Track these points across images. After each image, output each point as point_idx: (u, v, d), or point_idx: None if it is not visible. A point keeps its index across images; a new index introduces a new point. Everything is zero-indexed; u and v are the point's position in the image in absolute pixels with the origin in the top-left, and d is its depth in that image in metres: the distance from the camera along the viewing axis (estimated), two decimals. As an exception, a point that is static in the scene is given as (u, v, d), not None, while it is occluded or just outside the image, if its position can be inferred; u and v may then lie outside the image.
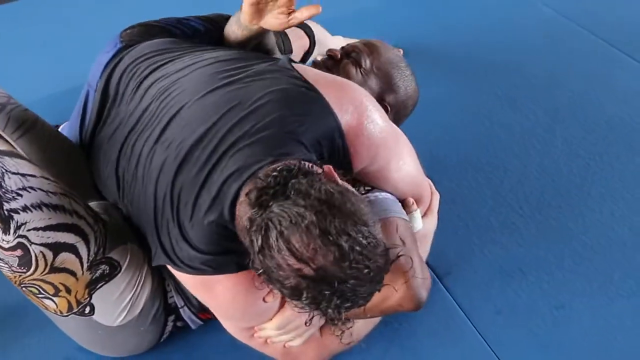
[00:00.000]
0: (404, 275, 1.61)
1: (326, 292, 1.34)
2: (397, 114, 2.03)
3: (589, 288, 2.00)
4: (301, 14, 1.74)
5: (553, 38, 3.07)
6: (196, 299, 1.80)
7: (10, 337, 1.95)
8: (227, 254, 1.53)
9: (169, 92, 1.71)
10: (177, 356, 1.89)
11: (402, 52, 2.11)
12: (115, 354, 1.86)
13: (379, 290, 1.42)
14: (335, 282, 1.32)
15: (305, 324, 1.61)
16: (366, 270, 1.34)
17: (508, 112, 2.63)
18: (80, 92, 1.94)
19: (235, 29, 1.89)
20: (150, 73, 1.79)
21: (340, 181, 1.43)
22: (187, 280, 1.64)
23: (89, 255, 1.65)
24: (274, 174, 1.40)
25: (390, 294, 1.61)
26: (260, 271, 1.37)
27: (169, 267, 1.64)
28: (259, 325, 1.71)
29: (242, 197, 1.45)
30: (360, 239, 1.33)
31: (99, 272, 1.68)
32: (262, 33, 1.90)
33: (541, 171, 2.37)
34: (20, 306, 1.97)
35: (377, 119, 1.64)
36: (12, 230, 1.56)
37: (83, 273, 1.66)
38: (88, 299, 1.70)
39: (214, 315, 1.82)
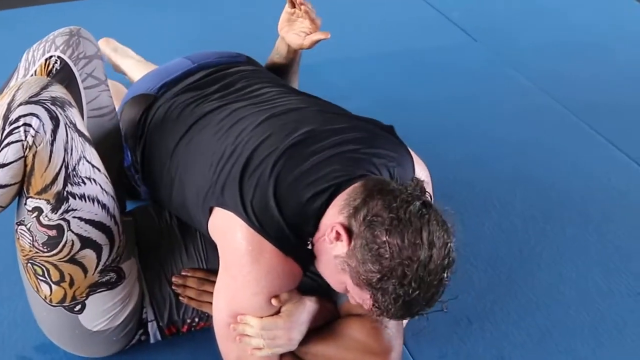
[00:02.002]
0: (389, 349, 1.76)
1: (425, 279, 1.52)
2: None
3: (529, 342, 2.09)
4: (314, 36, 2.14)
5: (525, 107, 3.23)
6: (167, 313, 1.91)
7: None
8: (296, 232, 1.65)
9: (289, 95, 1.98)
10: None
11: None
12: (82, 353, 1.92)
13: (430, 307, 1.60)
14: (437, 272, 1.52)
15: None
16: (445, 275, 1.55)
17: (472, 170, 2.76)
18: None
19: (272, 56, 2.31)
20: (266, 81, 2.07)
21: None
22: (239, 234, 1.66)
23: (107, 259, 1.74)
24: (378, 181, 1.63)
25: (369, 358, 1.75)
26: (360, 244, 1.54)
27: (223, 215, 1.69)
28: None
29: (341, 198, 1.63)
30: (448, 242, 1.55)
31: (106, 277, 1.77)
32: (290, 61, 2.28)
33: (498, 229, 2.49)
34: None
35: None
36: (60, 211, 1.62)
37: (93, 273, 1.74)
38: (84, 298, 1.77)
39: (176, 332, 1.95)
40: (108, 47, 2.84)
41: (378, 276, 1.52)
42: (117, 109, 2.11)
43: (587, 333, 2.14)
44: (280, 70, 2.29)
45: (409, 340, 2.04)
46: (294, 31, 2.18)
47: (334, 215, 1.61)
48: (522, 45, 3.75)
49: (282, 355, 1.78)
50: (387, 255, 1.51)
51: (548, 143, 2.99)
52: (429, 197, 1.63)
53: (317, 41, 2.16)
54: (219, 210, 1.71)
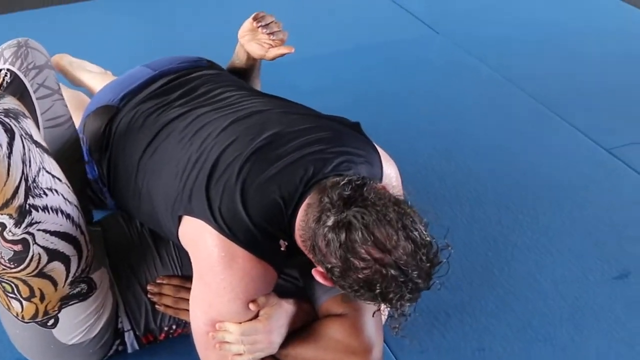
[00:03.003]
0: (370, 348, 1.74)
1: (400, 281, 1.51)
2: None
3: (509, 332, 2.10)
4: (278, 50, 2.09)
5: (492, 99, 3.24)
6: (144, 321, 1.88)
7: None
8: (267, 236, 1.64)
9: (252, 98, 1.95)
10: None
11: None
12: (60, 368, 1.89)
13: (428, 289, 1.57)
14: (409, 271, 1.50)
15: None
16: (428, 264, 1.53)
17: (443, 163, 2.76)
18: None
19: (233, 61, 2.27)
20: (228, 85, 2.04)
21: None
22: (210, 241, 1.65)
23: (76, 270, 1.70)
24: (344, 182, 1.59)
25: (350, 358, 1.74)
26: (335, 266, 1.53)
27: (192, 223, 1.68)
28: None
29: (310, 200, 1.61)
30: (425, 236, 1.54)
31: (77, 289, 1.73)
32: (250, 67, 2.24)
33: (471, 220, 2.49)
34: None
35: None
36: (23, 225, 1.57)
37: (64, 286, 1.70)
38: (57, 312, 1.73)
39: (154, 340, 1.93)
40: (63, 61, 2.79)
41: (361, 284, 1.54)
42: (80, 121, 2.08)
43: (565, 320, 2.15)
44: (241, 75, 2.26)
45: (389, 337, 2.02)
46: (256, 41, 2.13)
47: (303, 220, 1.61)
48: (485, 37, 3.75)
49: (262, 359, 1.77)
50: (364, 265, 1.51)
51: (517, 133, 3.00)
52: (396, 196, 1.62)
53: (281, 55, 2.11)
54: (187, 219, 1.70)
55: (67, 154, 1.90)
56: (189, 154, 1.76)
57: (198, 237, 1.68)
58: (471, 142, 2.92)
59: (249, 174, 1.66)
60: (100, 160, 2.00)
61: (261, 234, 1.63)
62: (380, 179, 1.79)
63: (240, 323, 1.69)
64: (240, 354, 1.71)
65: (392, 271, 1.50)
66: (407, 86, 3.28)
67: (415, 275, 1.51)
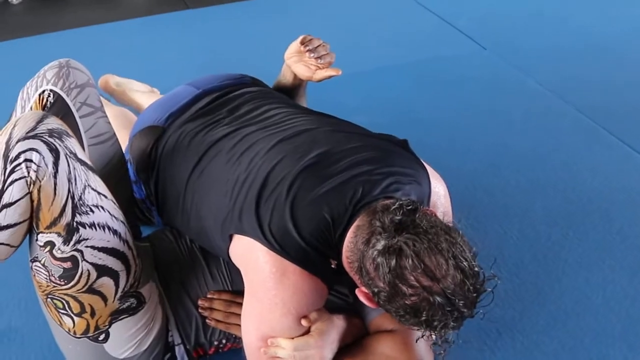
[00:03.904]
0: None
1: (446, 310, 1.51)
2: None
3: (560, 350, 2.07)
4: (325, 72, 2.09)
5: (539, 113, 3.20)
6: (194, 335, 1.89)
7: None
8: (317, 252, 1.65)
9: (299, 116, 1.95)
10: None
11: None
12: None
13: (472, 317, 1.56)
14: (455, 300, 1.50)
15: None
16: (474, 294, 1.53)
17: (490, 178, 2.73)
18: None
19: (280, 80, 2.27)
20: (273, 103, 2.04)
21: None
22: (261, 258, 1.66)
23: (125, 285, 1.73)
24: (395, 206, 1.58)
25: None
26: (382, 290, 1.54)
27: (243, 241, 1.69)
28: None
29: (359, 222, 1.62)
30: (473, 266, 1.54)
31: (127, 304, 1.75)
32: (297, 86, 2.24)
33: (520, 236, 2.46)
34: None
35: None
36: (72, 242, 1.61)
37: (113, 301, 1.72)
38: (107, 327, 1.75)
39: (204, 354, 1.93)
40: (110, 82, 2.83)
41: (407, 309, 1.54)
42: (128, 139, 2.10)
43: (618, 338, 2.11)
44: (288, 93, 2.26)
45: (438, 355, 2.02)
46: (303, 63, 2.14)
47: (352, 241, 1.62)
48: (531, 50, 3.73)
49: None
50: (412, 292, 1.52)
51: (564, 147, 2.96)
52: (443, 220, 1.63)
53: (328, 77, 2.12)
54: (238, 237, 1.72)
55: (113, 171, 1.93)
56: (238, 174, 1.78)
57: (249, 254, 1.69)
58: (518, 156, 2.89)
59: (298, 192, 1.67)
60: (147, 180, 2.03)
61: (312, 249, 1.64)
62: (429, 198, 1.79)
63: (293, 338, 1.69)
64: None
65: (439, 299, 1.50)
66: (454, 102, 3.27)
67: (462, 305, 1.52)
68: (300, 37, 2.12)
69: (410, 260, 1.50)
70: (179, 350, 1.92)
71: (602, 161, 2.88)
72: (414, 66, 3.57)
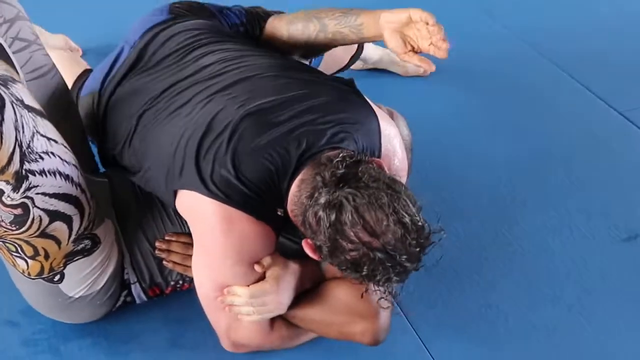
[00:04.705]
0: (377, 311, 1.73)
1: (387, 265, 1.51)
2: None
3: (516, 290, 2.12)
4: (418, 59, 1.92)
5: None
6: (149, 275, 1.89)
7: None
8: (262, 199, 1.64)
9: (236, 61, 1.86)
10: (118, 327, 1.96)
11: None
12: (68, 320, 1.92)
13: (417, 270, 1.58)
14: (397, 255, 1.51)
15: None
16: (418, 249, 1.53)
17: (454, 121, 2.74)
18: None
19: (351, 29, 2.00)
20: (206, 44, 1.94)
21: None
22: (206, 209, 1.65)
23: (79, 228, 1.71)
24: (338, 159, 1.58)
25: (358, 321, 1.75)
26: (323, 244, 1.55)
27: (187, 195, 1.68)
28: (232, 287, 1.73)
29: (303, 175, 1.61)
30: (417, 220, 1.53)
31: (81, 245, 1.74)
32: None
33: (480, 179, 2.50)
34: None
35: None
36: (21, 190, 1.57)
37: (67, 244, 1.71)
38: (62, 268, 1.74)
39: (160, 293, 1.94)
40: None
41: (348, 264, 1.56)
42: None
43: (573, 280, 2.16)
44: (326, 46, 2.08)
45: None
46: (402, 36, 1.91)
47: (296, 195, 1.62)
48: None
49: (272, 319, 1.79)
50: (351, 248, 1.53)
51: (528, 89, 2.95)
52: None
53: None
54: (182, 192, 1.71)
55: (58, 104, 1.89)
56: (174, 132, 1.75)
57: (194, 207, 1.69)
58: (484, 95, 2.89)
59: (239, 142, 1.65)
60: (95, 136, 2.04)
61: (256, 196, 1.63)
62: (380, 143, 1.77)
63: (248, 286, 1.70)
64: (250, 314, 1.73)
65: (380, 255, 1.51)
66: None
67: (404, 259, 1.53)
68: (429, 15, 1.86)
69: (350, 216, 1.50)
70: (135, 289, 1.91)
71: (566, 107, 2.88)
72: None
